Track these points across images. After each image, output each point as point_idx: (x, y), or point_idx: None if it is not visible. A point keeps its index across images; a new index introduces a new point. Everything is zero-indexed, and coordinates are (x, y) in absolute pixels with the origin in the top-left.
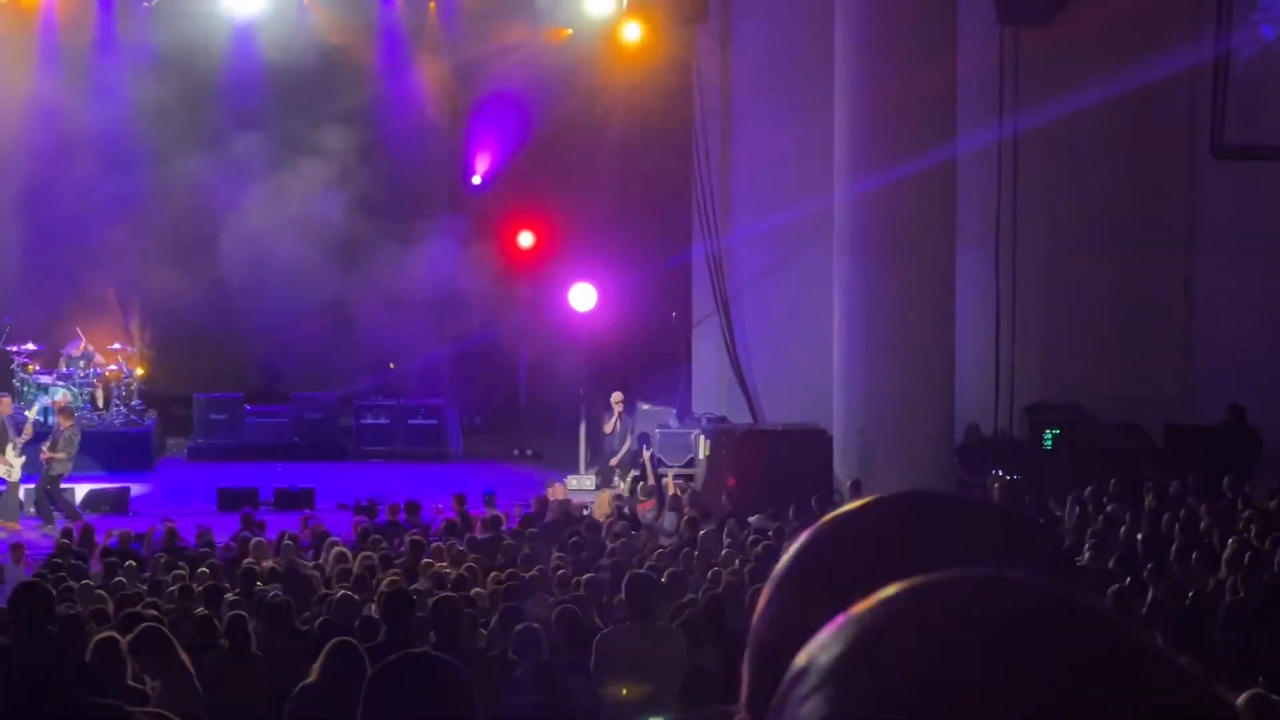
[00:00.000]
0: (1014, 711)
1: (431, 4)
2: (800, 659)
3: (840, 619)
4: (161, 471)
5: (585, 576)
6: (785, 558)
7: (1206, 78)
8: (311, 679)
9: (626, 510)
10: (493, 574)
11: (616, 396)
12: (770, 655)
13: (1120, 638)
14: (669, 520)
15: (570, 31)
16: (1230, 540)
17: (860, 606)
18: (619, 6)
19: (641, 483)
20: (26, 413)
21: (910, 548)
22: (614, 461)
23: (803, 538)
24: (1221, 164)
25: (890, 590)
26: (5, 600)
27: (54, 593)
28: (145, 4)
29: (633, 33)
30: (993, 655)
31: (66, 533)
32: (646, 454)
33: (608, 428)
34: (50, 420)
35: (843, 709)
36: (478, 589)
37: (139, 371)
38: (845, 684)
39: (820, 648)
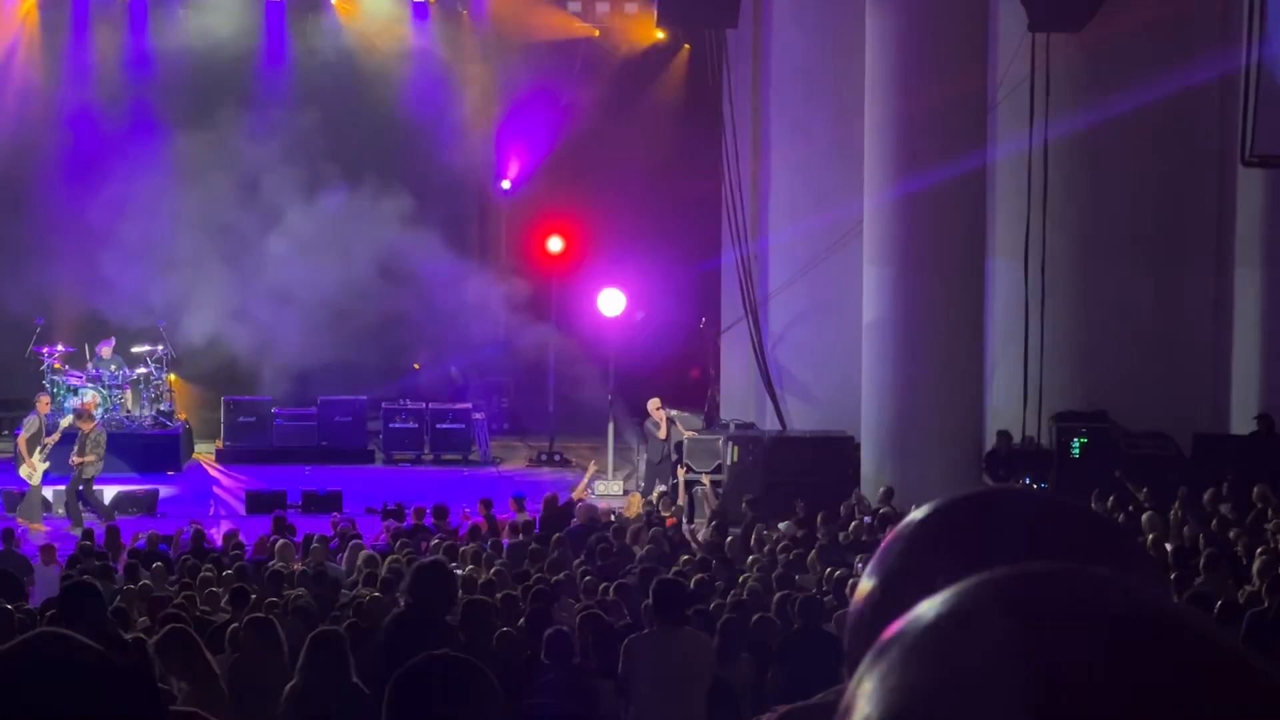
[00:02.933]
0: (1080, 703)
1: (463, 10)
2: (883, 638)
3: (923, 602)
4: (189, 474)
5: (615, 584)
6: (889, 540)
7: (1237, 85)
8: (294, 682)
9: (655, 516)
10: (523, 579)
11: (655, 402)
12: (873, 630)
13: (1196, 637)
14: (705, 535)
15: (598, 32)
16: (1259, 550)
17: (942, 592)
18: (650, 11)
19: (665, 498)
20: (61, 421)
21: (1012, 541)
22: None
23: (901, 528)
24: (1252, 172)
25: (972, 578)
26: (37, 600)
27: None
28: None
29: (663, 37)
30: (1063, 647)
31: (88, 534)
32: (682, 472)
33: (662, 433)
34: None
35: (916, 687)
36: (501, 593)
37: (170, 377)
38: (920, 664)
39: (902, 628)
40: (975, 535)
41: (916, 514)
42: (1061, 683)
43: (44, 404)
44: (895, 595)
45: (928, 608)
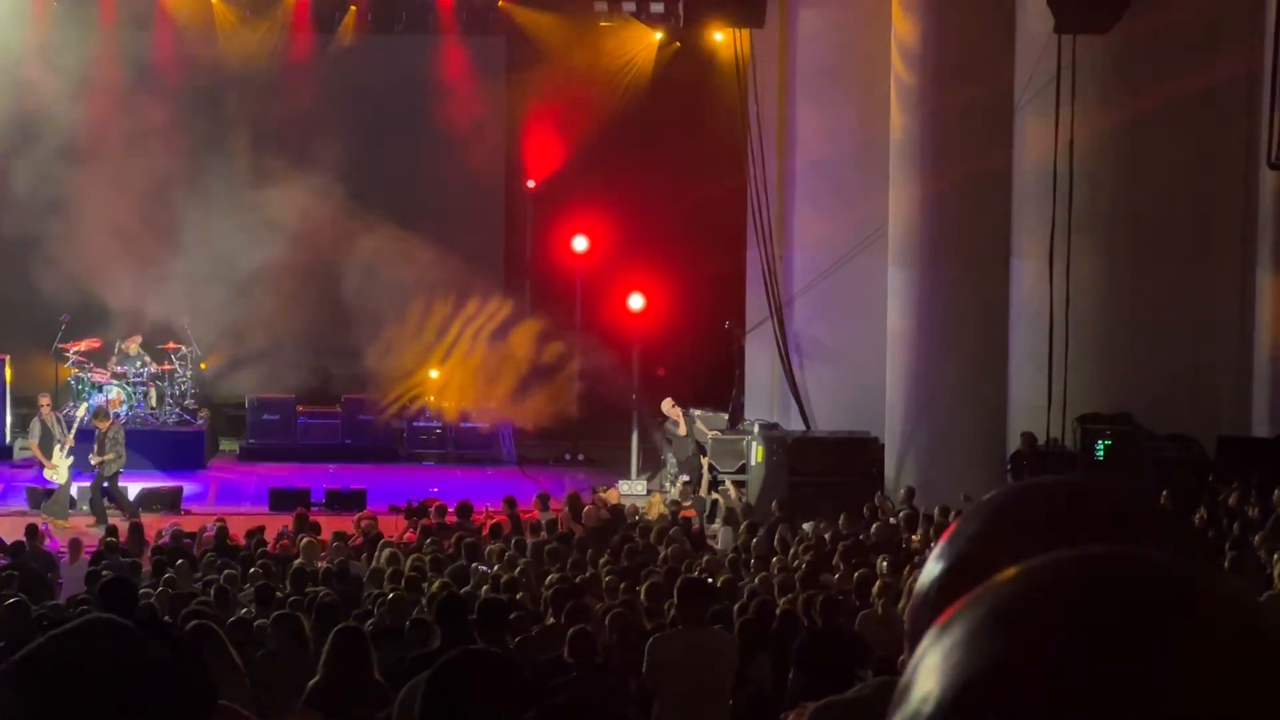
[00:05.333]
0: (1137, 684)
1: (491, 9)
2: (941, 620)
3: (989, 580)
4: (213, 471)
5: (644, 585)
6: (954, 528)
7: (1265, 86)
8: (317, 678)
9: (677, 515)
10: (547, 577)
11: (669, 402)
12: (937, 609)
13: (1260, 620)
14: (724, 537)
15: (624, 30)
16: (1275, 556)
17: (1003, 574)
18: (677, 10)
19: (687, 487)
20: (75, 413)
21: (1077, 526)
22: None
23: (972, 511)
24: (1278, 174)
25: (1037, 558)
26: (64, 597)
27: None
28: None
29: (690, 36)
30: (1124, 629)
31: (112, 530)
32: (706, 462)
33: (682, 430)
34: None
35: (981, 662)
36: (523, 593)
37: (202, 366)
38: (980, 645)
39: (961, 611)
40: (1041, 521)
41: (984, 499)
42: (1126, 661)
43: (45, 407)
44: (960, 576)
45: (993, 585)
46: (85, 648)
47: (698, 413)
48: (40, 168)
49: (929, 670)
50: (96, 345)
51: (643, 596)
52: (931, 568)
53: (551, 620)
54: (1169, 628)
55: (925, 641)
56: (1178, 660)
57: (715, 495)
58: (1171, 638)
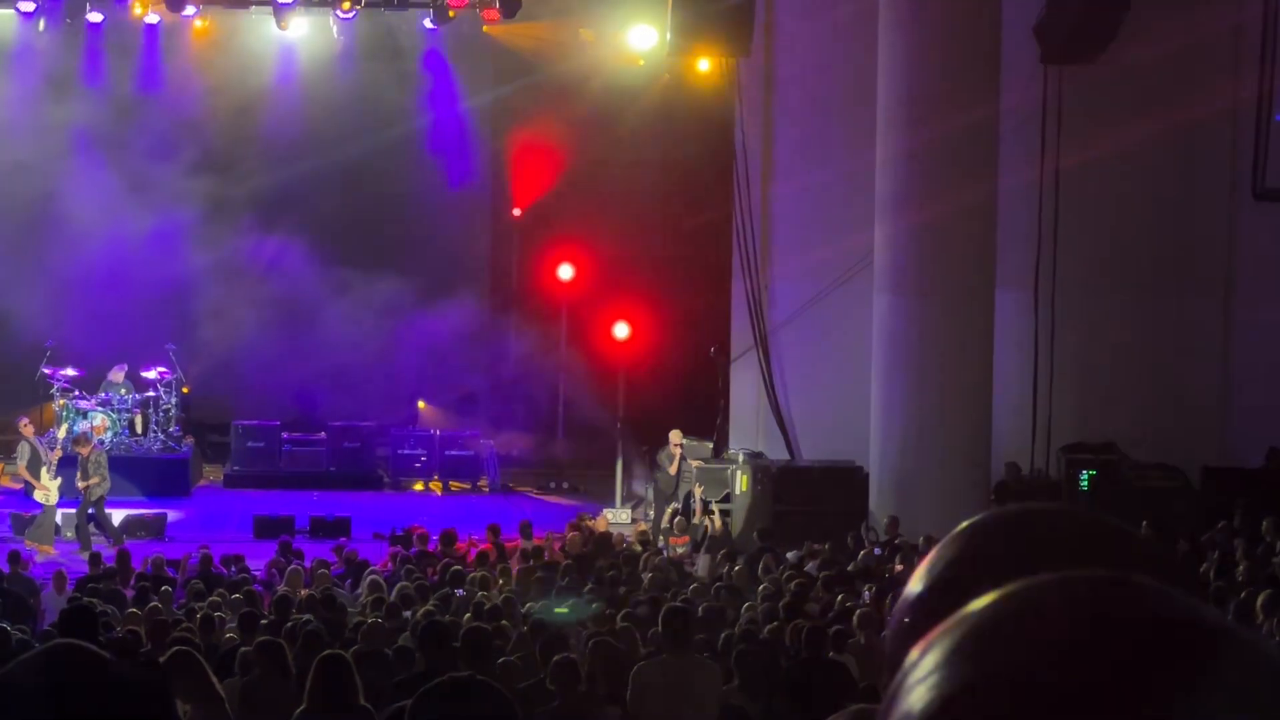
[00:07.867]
0: (1117, 707)
1: (475, 36)
2: (919, 646)
3: (972, 602)
4: (198, 498)
5: (624, 611)
6: (934, 553)
7: (1248, 119)
8: (303, 706)
9: (659, 543)
10: (528, 605)
11: (676, 434)
12: (917, 632)
13: (1243, 647)
14: (701, 564)
15: (609, 58)
16: (1258, 585)
17: (978, 601)
18: (662, 40)
19: (679, 518)
20: (56, 432)
21: (1056, 552)
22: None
23: (950, 537)
24: (1262, 206)
25: (1020, 581)
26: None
27: (98, 616)
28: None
29: (675, 66)
30: (1104, 652)
31: (96, 558)
32: (698, 490)
33: (673, 468)
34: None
35: (964, 682)
36: (507, 620)
37: (184, 390)
38: (960, 667)
39: (942, 633)
40: (1020, 546)
41: (964, 524)
42: (1107, 684)
43: (27, 428)
44: (940, 599)
45: (974, 609)
46: (53, 672)
47: (685, 441)
48: (21, 189)
49: (909, 691)
50: (81, 372)
51: (623, 623)
52: (910, 592)
53: (534, 647)
54: (1148, 651)
55: (907, 664)
56: (1157, 683)
57: (706, 522)
58: (1152, 661)
